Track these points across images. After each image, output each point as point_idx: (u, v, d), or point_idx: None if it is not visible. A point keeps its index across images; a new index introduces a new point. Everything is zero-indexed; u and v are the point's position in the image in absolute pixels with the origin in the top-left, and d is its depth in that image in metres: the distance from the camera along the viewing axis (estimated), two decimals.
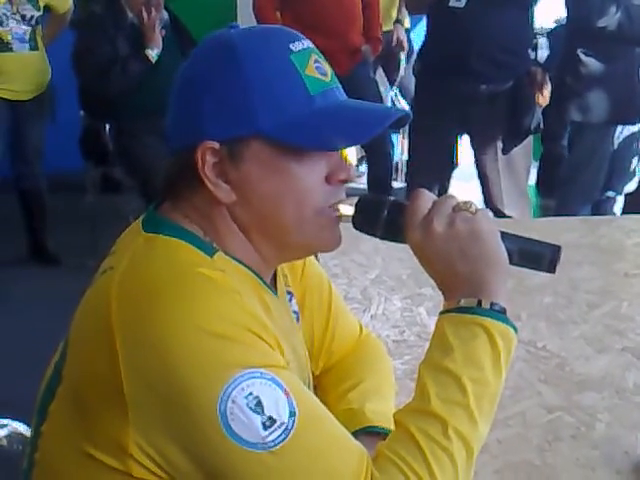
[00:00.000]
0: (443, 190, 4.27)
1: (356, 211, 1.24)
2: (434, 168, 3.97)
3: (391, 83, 6.09)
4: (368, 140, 1.20)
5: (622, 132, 4.20)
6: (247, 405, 1.05)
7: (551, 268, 1.22)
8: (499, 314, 1.16)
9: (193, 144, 1.17)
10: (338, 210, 1.23)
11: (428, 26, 4.00)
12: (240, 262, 1.21)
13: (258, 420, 1.05)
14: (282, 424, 1.06)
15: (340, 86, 1.23)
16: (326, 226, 1.22)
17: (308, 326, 1.46)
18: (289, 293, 1.40)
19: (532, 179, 5.56)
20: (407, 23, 6.08)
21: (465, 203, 1.20)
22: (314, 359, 1.47)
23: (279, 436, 1.05)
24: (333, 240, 1.25)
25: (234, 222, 1.21)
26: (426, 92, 3.96)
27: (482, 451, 1.42)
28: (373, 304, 2.05)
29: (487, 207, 3.99)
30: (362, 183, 5.67)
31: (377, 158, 5.29)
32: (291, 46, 1.18)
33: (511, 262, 1.20)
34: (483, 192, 4.06)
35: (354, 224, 1.25)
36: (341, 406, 1.41)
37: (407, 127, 4.96)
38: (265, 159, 1.17)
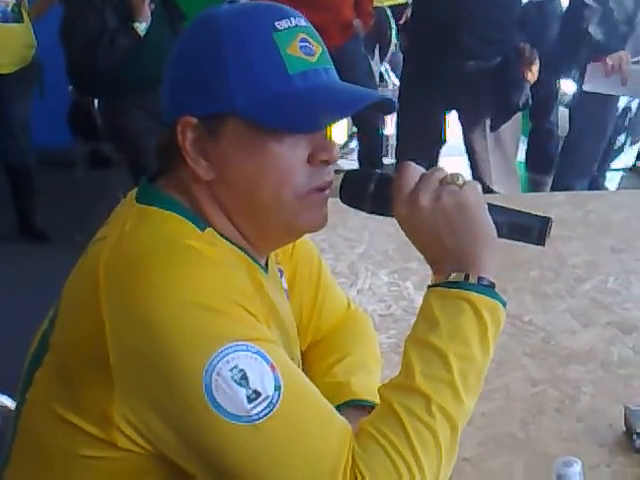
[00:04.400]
0: (431, 166, 4.27)
1: (343, 185, 1.23)
2: (422, 144, 3.96)
3: (381, 59, 6.07)
4: (338, 121, 1.19)
5: None
6: (232, 378, 1.05)
7: (540, 240, 1.21)
8: (487, 288, 1.16)
9: (175, 119, 1.16)
10: (325, 191, 1.22)
11: (414, 2, 3.99)
12: (229, 240, 1.20)
13: (243, 393, 1.05)
14: (267, 397, 1.05)
15: (329, 67, 1.21)
16: (308, 207, 1.20)
17: (297, 301, 1.45)
18: (279, 270, 1.40)
19: (521, 155, 5.59)
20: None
21: (452, 176, 1.19)
22: (302, 334, 1.46)
23: (263, 409, 1.05)
24: (316, 222, 1.23)
25: (215, 202, 1.19)
26: (413, 68, 3.95)
27: (467, 423, 1.45)
28: (360, 279, 2.05)
29: None
30: (353, 159, 5.67)
31: (367, 134, 5.28)
32: (276, 24, 1.16)
33: (500, 235, 1.19)
34: (471, 168, 4.06)
35: (341, 198, 1.24)
36: (327, 379, 1.41)
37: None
38: (242, 137, 1.16)
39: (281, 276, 1.40)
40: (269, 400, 1.06)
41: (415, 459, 1.09)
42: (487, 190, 3.88)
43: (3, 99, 4.74)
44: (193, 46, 1.18)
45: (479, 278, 1.16)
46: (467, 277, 1.16)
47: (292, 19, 1.18)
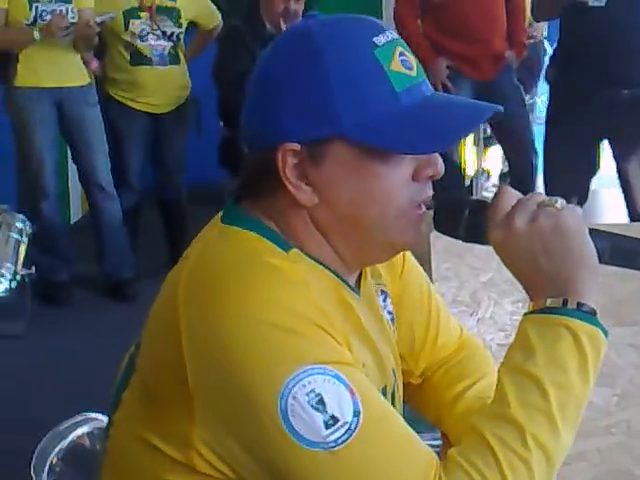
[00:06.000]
0: (583, 196, 4.14)
1: (436, 212, 1.20)
2: (572, 174, 3.84)
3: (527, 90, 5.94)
4: (456, 143, 1.15)
5: None
6: (308, 402, 1.02)
7: None
8: (587, 315, 1.09)
9: (273, 144, 1.13)
10: (422, 208, 1.18)
11: (562, 30, 3.88)
12: (318, 261, 1.18)
13: (320, 418, 1.02)
14: (345, 424, 1.02)
15: (426, 79, 1.18)
16: (409, 225, 1.17)
17: (407, 326, 1.41)
18: (383, 292, 1.36)
19: None
20: (544, 31, 5.90)
21: (551, 199, 1.14)
22: (414, 359, 1.42)
23: (341, 436, 1.02)
24: (415, 238, 1.19)
25: (314, 224, 1.17)
26: (563, 98, 3.84)
27: (579, 459, 1.38)
28: (482, 307, 2.00)
29: (629, 214, 3.85)
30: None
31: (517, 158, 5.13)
32: (375, 39, 1.13)
33: (602, 261, 1.13)
34: (625, 200, 3.91)
35: (435, 225, 1.20)
36: (459, 406, 1.36)
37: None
38: (348, 160, 1.12)
39: (385, 299, 1.36)
40: (347, 426, 1.02)
41: None
42: None
43: (159, 138, 4.91)
44: (291, 69, 1.14)
45: (578, 304, 1.10)
46: (565, 302, 1.10)
47: (387, 33, 1.15)
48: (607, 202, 5.59)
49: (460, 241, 1.21)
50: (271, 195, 1.17)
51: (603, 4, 3.52)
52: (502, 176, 6.25)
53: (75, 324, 4.37)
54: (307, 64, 1.12)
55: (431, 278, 2.17)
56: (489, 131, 5.74)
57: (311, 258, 1.17)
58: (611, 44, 3.54)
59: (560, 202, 1.13)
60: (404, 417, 1.14)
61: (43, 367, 3.88)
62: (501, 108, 1.18)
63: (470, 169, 6.12)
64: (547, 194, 1.18)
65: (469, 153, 6.20)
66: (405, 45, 1.16)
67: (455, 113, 1.16)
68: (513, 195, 1.15)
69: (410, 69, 1.15)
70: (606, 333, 1.11)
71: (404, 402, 1.45)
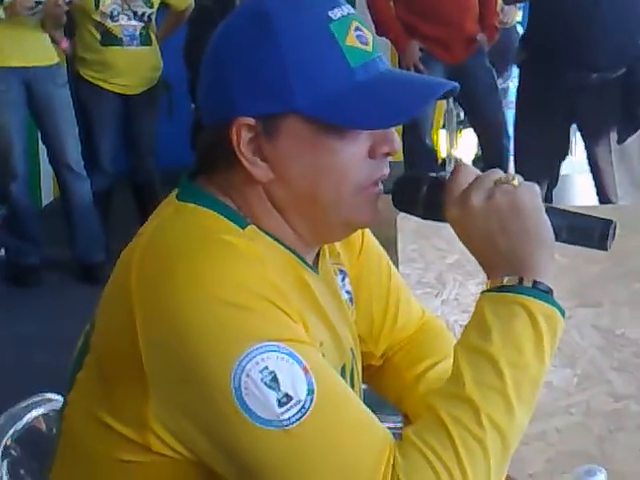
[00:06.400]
0: (553, 180, 4.15)
1: (395, 189, 1.19)
2: (542, 158, 3.84)
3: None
4: (411, 118, 1.15)
5: None
6: (262, 380, 1.01)
7: (602, 244, 1.13)
8: (543, 293, 1.09)
9: (227, 119, 1.12)
10: (379, 185, 1.17)
11: (531, 14, 3.88)
12: (275, 239, 1.17)
13: (273, 396, 1.01)
14: (299, 402, 1.01)
15: (382, 55, 1.17)
16: (366, 202, 1.16)
17: (366, 306, 1.40)
18: (342, 272, 1.35)
19: None
20: (518, 16, 5.88)
21: (507, 177, 1.13)
22: (373, 340, 1.42)
23: (295, 414, 1.01)
24: (372, 216, 1.18)
25: (270, 200, 1.16)
26: (532, 82, 3.83)
27: (538, 439, 1.38)
28: (446, 289, 2.00)
29: (600, 200, 3.86)
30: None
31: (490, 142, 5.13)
32: (330, 13, 1.12)
33: (558, 239, 1.13)
34: (595, 184, 3.92)
35: (394, 203, 1.19)
36: (421, 387, 1.36)
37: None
38: (303, 135, 1.11)
39: (344, 278, 1.35)
40: (301, 405, 1.01)
41: (461, 472, 1.02)
42: None
43: (130, 120, 4.88)
44: (244, 43, 1.12)
45: (534, 282, 1.09)
46: (521, 281, 1.09)
47: (343, 7, 1.14)
48: (580, 187, 5.61)
49: (421, 219, 1.20)
50: (227, 171, 1.15)
51: None
52: (476, 160, 6.25)
53: (45, 307, 4.35)
54: (260, 38, 1.11)
55: (397, 260, 2.17)
56: (462, 115, 5.74)
57: (268, 235, 1.16)
58: (579, 28, 3.52)
59: (517, 179, 1.12)
60: (366, 400, 1.14)
61: (10, 350, 3.85)
62: (456, 84, 1.17)
63: (443, 152, 6.13)
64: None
65: (442, 137, 6.22)
66: (361, 20, 1.15)
67: (409, 89, 1.15)
68: (471, 172, 1.14)
69: (366, 44, 1.13)
70: (563, 312, 1.10)
71: (365, 384, 1.44)
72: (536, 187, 1.14)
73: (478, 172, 1.15)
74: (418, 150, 4.87)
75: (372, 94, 1.11)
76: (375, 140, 1.14)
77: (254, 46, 1.12)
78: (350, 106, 1.10)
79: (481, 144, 5.37)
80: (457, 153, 6.19)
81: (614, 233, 1.13)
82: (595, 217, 1.15)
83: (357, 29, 1.13)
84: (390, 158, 1.18)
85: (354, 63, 1.11)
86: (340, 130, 1.11)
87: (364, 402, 1.11)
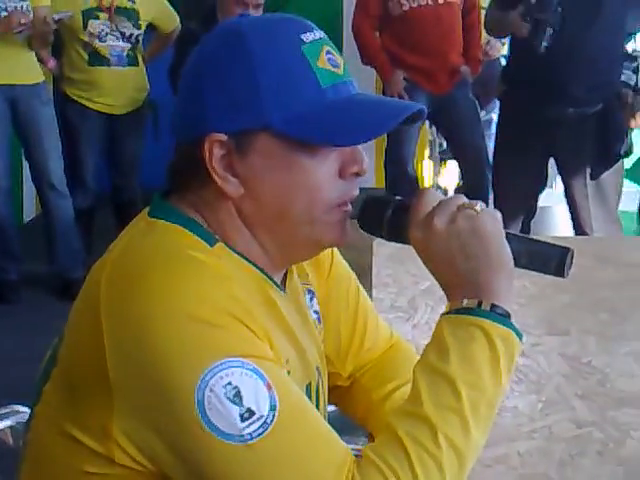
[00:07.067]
0: (531, 211, 4.19)
1: (361, 211, 1.21)
2: (520, 189, 3.89)
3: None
4: (379, 136, 1.17)
5: None
6: (225, 395, 1.03)
7: (560, 271, 1.16)
8: (501, 316, 1.11)
9: (200, 136, 1.14)
10: (348, 206, 1.20)
11: (511, 47, 3.93)
12: (244, 257, 1.19)
13: (236, 411, 1.03)
14: (261, 417, 1.03)
15: (352, 80, 1.20)
16: (335, 222, 1.18)
17: (334, 327, 1.42)
18: (310, 292, 1.38)
19: (634, 206, 5.43)
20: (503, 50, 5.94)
21: (471, 202, 1.16)
22: (341, 361, 1.44)
23: (257, 429, 1.03)
24: (341, 236, 1.21)
25: (240, 217, 1.18)
26: (511, 115, 3.88)
27: (500, 462, 1.40)
28: (418, 313, 2.02)
29: (576, 232, 3.90)
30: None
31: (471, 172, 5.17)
32: (303, 37, 1.16)
33: (518, 264, 1.15)
34: (572, 217, 3.96)
35: (359, 224, 1.22)
36: (387, 407, 1.38)
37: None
38: (274, 153, 1.14)
39: (311, 299, 1.37)
40: (263, 420, 1.03)
41: None
42: None
43: (115, 139, 4.90)
44: (220, 61, 1.15)
45: (492, 306, 1.12)
46: (480, 304, 1.12)
47: (315, 32, 1.18)
48: (558, 218, 5.66)
49: (398, 245, 1.22)
50: (198, 188, 1.18)
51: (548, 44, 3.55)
52: (459, 190, 6.29)
53: (24, 323, 4.34)
54: (234, 58, 1.14)
55: (372, 284, 2.20)
56: (445, 145, 5.78)
57: (237, 253, 1.18)
58: (559, 62, 3.57)
59: (480, 205, 1.15)
60: (335, 422, 1.15)
61: None
62: (423, 107, 1.20)
63: (426, 182, 6.16)
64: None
65: (426, 167, 6.25)
66: (333, 45, 1.19)
67: (377, 109, 1.18)
68: (435, 196, 1.17)
69: (337, 67, 1.17)
70: (520, 335, 1.13)
71: (334, 405, 1.46)
72: (498, 213, 1.17)
73: (442, 197, 1.17)
74: (401, 180, 4.92)
75: (341, 113, 1.14)
76: (344, 160, 1.17)
77: (228, 65, 1.15)
78: (319, 124, 1.13)
79: (463, 174, 5.42)
80: (441, 183, 6.22)
81: (571, 261, 1.16)
82: (554, 245, 1.17)
83: (328, 52, 1.17)
84: (360, 179, 1.20)
85: (324, 83, 1.15)
86: (311, 148, 1.14)
87: (333, 424, 1.12)
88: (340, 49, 1.20)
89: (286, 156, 1.14)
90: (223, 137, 1.14)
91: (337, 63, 1.18)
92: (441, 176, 6.22)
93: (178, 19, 5.02)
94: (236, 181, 1.15)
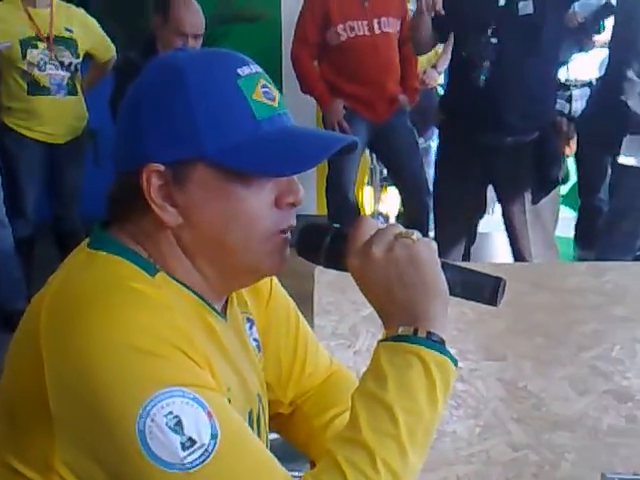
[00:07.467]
0: (471, 238, 4.25)
1: (299, 238, 1.24)
2: (460, 216, 3.94)
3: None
4: (313, 167, 1.20)
5: None
6: (166, 424, 1.03)
7: (492, 300, 1.19)
8: (436, 343, 1.14)
9: (138, 166, 1.16)
10: (287, 234, 1.22)
11: (450, 78, 3.99)
12: (184, 285, 1.20)
13: (177, 440, 1.04)
14: (202, 446, 1.04)
15: (288, 112, 1.23)
16: (273, 250, 1.21)
17: (274, 355, 1.44)
18: (249, 320, 1.39)
19: (571, 231, 5.52)
20: (440, 79, 6.04)
21: (407, 231, 1.19)
22: (282, 388, 1.46)
23: (198, 458, 1.04)
24: (280, 264, 1.23)
25: (179, 246, 1.20)
26: (450, 143, 3.94)
27: None
28: (359, 340, 2.04)
29: (515, 258, 3.96)
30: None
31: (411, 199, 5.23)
32: (239, 70, 1.18)
33: (452, 293, 1.18)
34: (511, 243, 4.03)
35: (298, 251, 1.24)
36: (329, 434, 1.39)
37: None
38: (210, 183, 1.16)
39: (251, 327, 1.39)
40: (204, 448, 1.04)
41: None
42: None
43: (55, 168, 4.86)
44: (158, 93, 1.18)
45: (428, 333, 1.14)
46: (416, 331, 1.14)
47: (251, 66, 1.21)
48: (497, 245, 5.73)
49: (338, 273, 1.24)
50: (138, 218, 1.19)
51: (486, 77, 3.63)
52: (399, 216, 6.35)
53: None
54: (172, 89, 1.17)
55: (313, 311, 2.22)
56: (385, 172, 5.84)
57: (177, 281, 1.20)
58: (496, 93, 3.63)
59: (416, 234, 1.18)
60: (273, 449, 1.16)
61: None
62: (356, 139, 1.24)
63: (368, 209, 6.21)
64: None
65: (367, 193, 6.30)
66: (269, 79, 1.22)
67: (311, 140, 1.21)
68: (372, 225, 1.19)
69: (272, 100, 1.20)
70: (455, 362, 1.15)
71: (276, 432, 1.48)
72: (433, 243, 1.20)
73: (380, 225, 1.20)
74: (342, 207, 4.96)
75: (275, 144, 1.17)
76: (280, 190, 1.20)
77: (166, 97, 1.17)
78: (254, 154, 1.15)
79: (403, 201, 5.48)
80: (381, 209, 6.28)
81: (504, 290, 1.19)
82: (487, 274, 1.20)
83: (264, 86, 1.20)
84: (297, 208, 1.23)
85: (260, 116, 1.17)
86: (246, 179, 1.16)
87: (275, 451, 1.14)
88: (279, 79, 1.24)
89: (222, 186, 1.16)
90: (161, 167, 1.16)
91: (273, 96, 1.20)
92: (382, 203, 6.28)
93: (114, 49, 5.03)
94: (174, 211, 1.17)
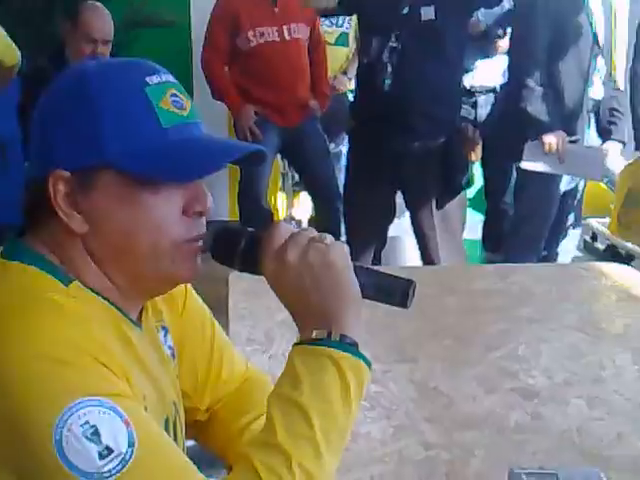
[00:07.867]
0: (381, 242, 4.31)
1: (213, 242, 1.24)
2: (370, 220, 4.00)
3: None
4: (215, 171, 1.22)
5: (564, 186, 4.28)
6: (83, 434, 1.04)
7: (403, 302, 1.22)
8: (349, 346, 1.16)
9: (45, 173, 1.17)
10: (198, 242, 1.23)
11: (358, 83, 4.04)
12: (97, 294, 1.21)
13: (94, 449, 1.04)
14: (120, 454, 1.05)
15: (199, 122, 1.24)
16: (184, 258, 1.22)
17: (189, 362, 1.45)
18: (164, 328, 1.40)
19: (478, 234, 5.63)
20: (350, 85, 6.09)
21: (321, 236, 1.21)
22: (198, 395, 1.47)
23: (116, 466, 1.04)
24: (191, 272, 1.24)
25: (88, 253, 1.20)
26: (360, 148, 3.99)
27: None
28: (274, 345, 2.07)
29: (424, 261, 4.03)
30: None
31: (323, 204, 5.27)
32: (147, 79, 1.20)
33: (364, 295, 1.20)
34: (419, 247, 4.09)
35: (213, 255, 1.25)
36: (245, 438, 1.41)
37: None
38: (116, 189, 1.17)
39: (165, 335, 1.40)
40: (122, 457, 1.05)
41: None
42: None
43: None
44: (64, 101, 1.19)
45: (342, 336, 1.17)
46: (330, 334, 1.17)
47: (162, 75, 1.22)
48: (407, 248, 5.81)
49: (252, 277, 1.25)
50: (49, 226, 1.20)
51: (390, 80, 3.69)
52: (311, 221, 6.38)
53: None
54: (78, 98, 1.18)
55: (228, 317, 2.23)
56: (297, 177, 5.88)
57: (92, 290, 1.20)
58: (401, 98, 3.70)
59: (329, 238, 1.21)
60: (191, 456, 1.18)
61: None
62: (262, 148, 1.26)
63: (280, 214, 6.24)
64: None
65: (279, 199, 6.33)
66: (182, 89, 1.23)
67: (215, 147, 1.24)
68: (286, 229, 1.21)
69: (181, 109, 1.21)
70: (369, 364, 1.18)
71: (194, 440, 1.49)
72: (346, 246, 1.22)
73: (294, 230, 1.22)
74: (254, 213, 4.97)
75: (179, 150, 1.18)
76: (188, 199, 1.21)
77: (72, 104, 1.18)
78: (158, 160, 1.17)
79: (315, 206, 5.51)
80: (294, 215, 6.31)
81: (414, 293, 1.22)
82: (398, 277, 1.23)
83: (174, 95, 1.21)
84: (205, 218, 1.24)
85: (166, 124, 1.19)
86: (153, 186, 1.18)
87: (193, 458, 1.15)
88: (190, 84, 1.25)
89: (128, 193, 1.18)
90: (67, 174, 1.17)
91: (183, 105, 1.22)
92: (294, 208, 6.31)
93: (19, 54, 4.94)
94: (80, 217, 1.18)
